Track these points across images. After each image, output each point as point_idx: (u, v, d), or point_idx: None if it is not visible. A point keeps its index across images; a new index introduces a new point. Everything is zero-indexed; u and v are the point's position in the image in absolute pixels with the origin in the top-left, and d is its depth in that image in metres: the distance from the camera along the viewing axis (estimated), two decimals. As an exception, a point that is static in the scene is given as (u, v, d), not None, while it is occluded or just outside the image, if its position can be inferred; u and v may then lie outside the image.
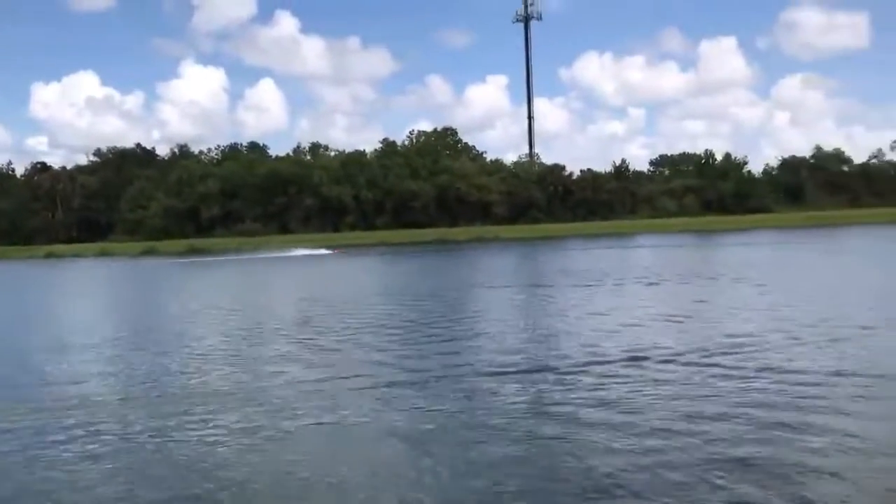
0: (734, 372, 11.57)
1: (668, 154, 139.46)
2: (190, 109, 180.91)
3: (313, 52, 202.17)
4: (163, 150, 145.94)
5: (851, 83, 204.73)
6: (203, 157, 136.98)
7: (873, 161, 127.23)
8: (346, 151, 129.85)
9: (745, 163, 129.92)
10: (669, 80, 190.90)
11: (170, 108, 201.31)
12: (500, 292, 26.76)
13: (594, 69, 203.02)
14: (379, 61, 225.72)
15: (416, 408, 10.30)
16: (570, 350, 14.12)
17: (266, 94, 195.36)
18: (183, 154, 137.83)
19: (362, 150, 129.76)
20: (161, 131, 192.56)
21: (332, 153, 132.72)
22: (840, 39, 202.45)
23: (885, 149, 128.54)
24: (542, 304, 22.86)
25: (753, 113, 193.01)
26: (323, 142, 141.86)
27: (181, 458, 8.51)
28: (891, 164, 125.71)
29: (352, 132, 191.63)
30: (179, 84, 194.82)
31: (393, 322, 19.47)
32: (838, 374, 11.15)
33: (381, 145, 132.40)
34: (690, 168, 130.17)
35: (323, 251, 70.85)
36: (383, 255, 63.27)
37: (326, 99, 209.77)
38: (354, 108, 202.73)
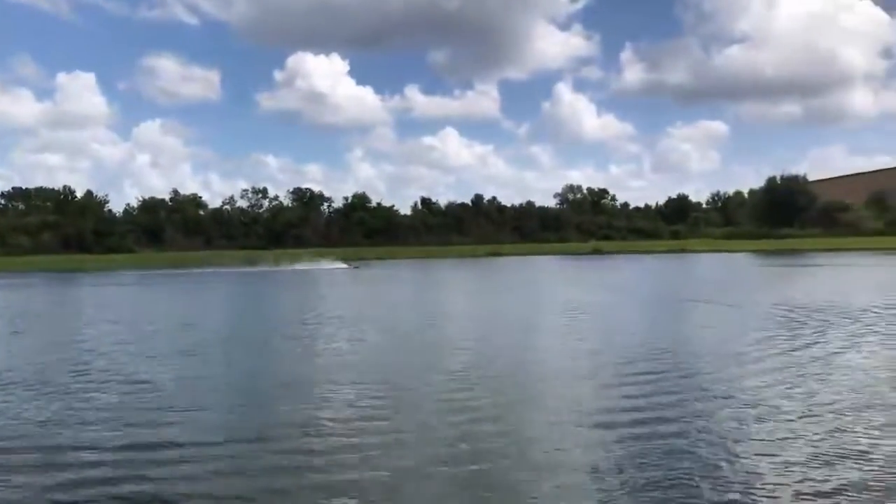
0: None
1: (24, 187, 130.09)
2: None
3: None
4: None
5: (207, 132, 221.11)
6: None
7: (226, 207, 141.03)
8: None
9: (107, 201, 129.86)
10: (24, 108, 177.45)
11: None
12: None
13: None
14: None
15: None
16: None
17: None
18: None
19: None
20: None
21: None
22: (197, 90, 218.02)
23: (237, 196, 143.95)
24: None
25: (115, 151, 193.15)
26: None
27: None
28: (241, 210, 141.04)
29: None
30: None
31: None
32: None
33: None
34: (48, 203, 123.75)
35: (340, 265, 74.89)
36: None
37: None
38: None
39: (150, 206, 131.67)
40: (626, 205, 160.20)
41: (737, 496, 7.68)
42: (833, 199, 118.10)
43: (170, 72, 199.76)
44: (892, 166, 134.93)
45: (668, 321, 25.34)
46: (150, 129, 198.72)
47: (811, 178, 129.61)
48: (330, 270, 69.20)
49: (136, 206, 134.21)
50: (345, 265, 74.25)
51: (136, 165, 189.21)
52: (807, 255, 76.62)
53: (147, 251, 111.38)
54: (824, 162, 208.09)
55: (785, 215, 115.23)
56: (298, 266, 74.32)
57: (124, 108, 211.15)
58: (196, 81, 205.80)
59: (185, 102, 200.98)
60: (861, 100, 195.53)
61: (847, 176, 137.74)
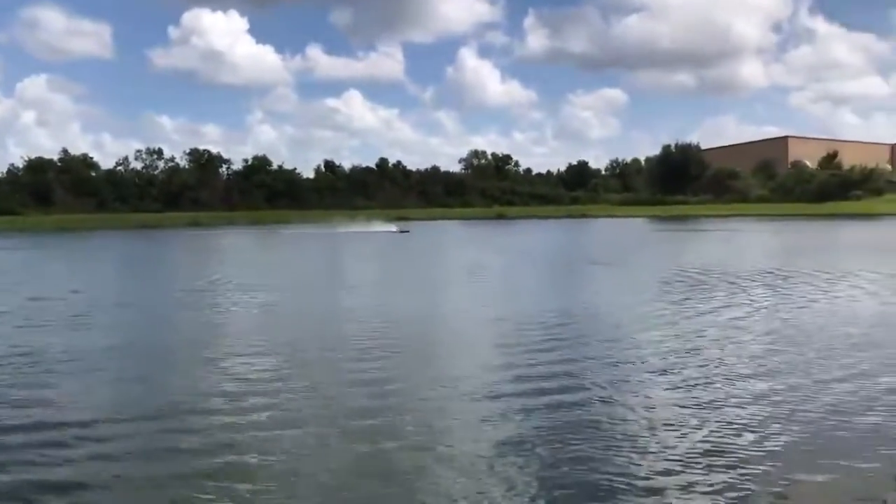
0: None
1: None
2: None
3: None
4: None
5: (98, 90, 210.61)
6: None
7: (119, 168, 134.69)
8: None
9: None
10: None
11: None
12: None
13: None
14: None
15: None
16: None
17: None
18: None
19: None
20: None
21: None
22: (85, 45, 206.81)
23: (131, 157, 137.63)
24: None
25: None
26: None
27: None
28: (135, 171, 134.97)
29: None
30: None
31: None
32: None
33: None
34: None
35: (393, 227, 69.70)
36: None
37: None
38: None
39: (37, 167, 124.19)
40: (528, 171, 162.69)
41: (641, 467, 7.80)
42: (723, 167, 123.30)
43: (55, 24, 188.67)
44: (778, 136, 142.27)
45: (573, 285, 26.00)
46: (35, 85, 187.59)
47: (704, 146, 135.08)
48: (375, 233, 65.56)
49: (21, 166, 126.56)
50: (395, 228, 69.46)
51: (21, 123, 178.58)
52: (699, 221, 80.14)
53: (34, 214, 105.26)
54: (716, 131, 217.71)
55: (678, 182, 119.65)
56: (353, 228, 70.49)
57: (6, 62, 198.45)
58: (84, 36, 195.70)
59: (72, 58, 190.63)
60: (752, 72, 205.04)
61: (737, 145, 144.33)
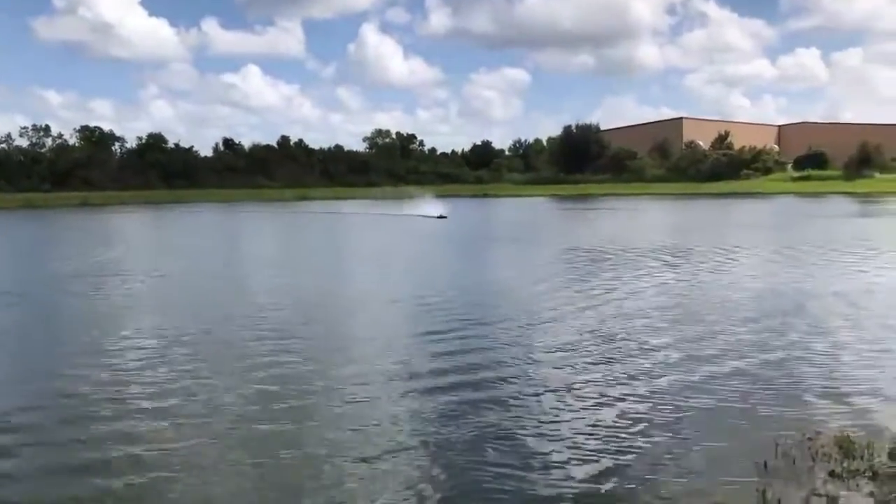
0: None
1: None
2: None
3: None
4: None
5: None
6: None
7: (3, 146, 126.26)
8: None
9: None
10: None
11: None
12: None
13: None
14: None
15: None
16: None
17: None
18: None
19: None
20: None
21: None
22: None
23: (15, 134, 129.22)
24: None
25: None
26: None
27: None
28: (20, 149, 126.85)
29: None
30: None
31: None
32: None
33: None
34: None
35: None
36: None
37: None
38: None
39: None
40: (433, 150, 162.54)
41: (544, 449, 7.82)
42: (622, 147, 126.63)
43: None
44: (673, 117, 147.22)
45: (480, 262, 26.00)
46: None
47: (603, 127, 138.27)
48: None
49: None
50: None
51: None
52: (599, 200, 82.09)
53: None
54: (616, 111, 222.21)
55: (579, 162, 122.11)
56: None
57: None
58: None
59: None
60: (648, 53, 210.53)
61: (635, 126, 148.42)
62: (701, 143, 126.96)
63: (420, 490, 6.63)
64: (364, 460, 7.29)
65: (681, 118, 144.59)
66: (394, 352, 11.85)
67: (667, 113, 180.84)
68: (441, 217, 51.07)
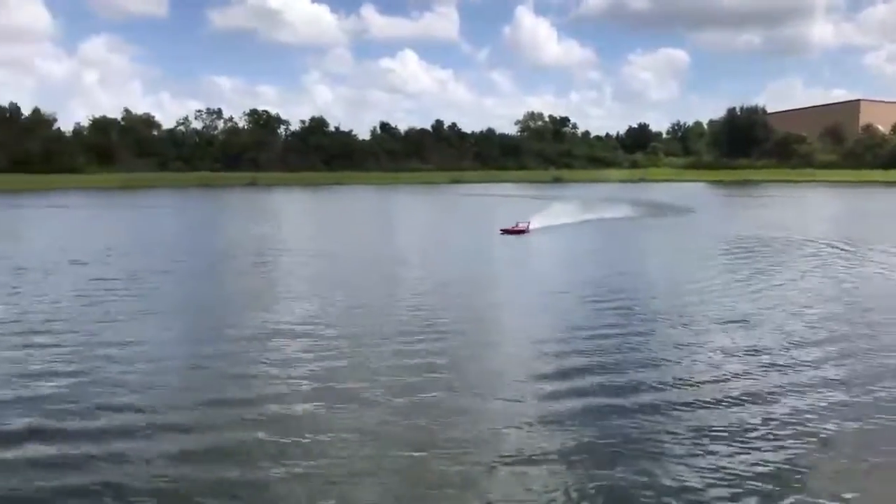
0: None
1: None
2: None
3: None
4: None
5: (155, 50, 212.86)
6: None
7: (180, 128, 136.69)
8: None
9: (55, 120, 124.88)
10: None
11: None
12: None
13: None
14: None
15: None
16: None
17: None
18: None
19: None
20: None
21: None
22: (142, 5, 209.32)
23: (191, 117, 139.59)
24: None
25: (60, 68, 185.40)
26: None
27: None
28: (196, 131, 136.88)
29: None
30: None
31: None
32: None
33: None
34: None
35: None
36: None
37: None
38: None
39: (102, 126, 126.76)
40: (586, 133, 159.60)
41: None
42: (789, 131, 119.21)
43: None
44: (847, 100, 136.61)
45: (643, 248, 25.60)
46: (96, 45, 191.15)
47: (769, 109, 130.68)
48: None
49: (86, 125, 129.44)
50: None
51: (84, 83, 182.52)
52: (766, 187, 77.66)
53: (97, 172, 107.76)
54: (782, 94, 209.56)
55: (743, 147, 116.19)
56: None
57: (68, 22, 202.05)
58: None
59: (130, 18, 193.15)
60: (821, 32, 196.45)
61: (803, 108, 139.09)
62: (880, 127, 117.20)
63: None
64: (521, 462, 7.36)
65: (858, 100, 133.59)
66: (549, 346, 11.72)
67: (839, 95, 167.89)
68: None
